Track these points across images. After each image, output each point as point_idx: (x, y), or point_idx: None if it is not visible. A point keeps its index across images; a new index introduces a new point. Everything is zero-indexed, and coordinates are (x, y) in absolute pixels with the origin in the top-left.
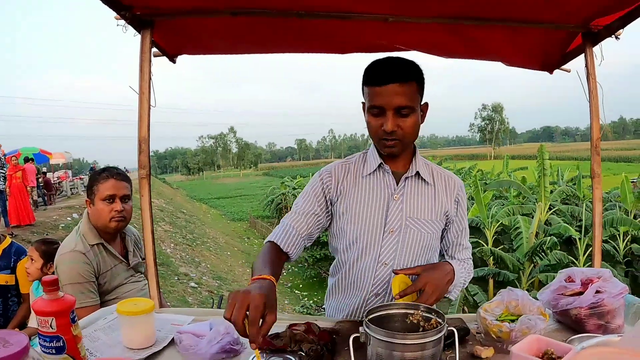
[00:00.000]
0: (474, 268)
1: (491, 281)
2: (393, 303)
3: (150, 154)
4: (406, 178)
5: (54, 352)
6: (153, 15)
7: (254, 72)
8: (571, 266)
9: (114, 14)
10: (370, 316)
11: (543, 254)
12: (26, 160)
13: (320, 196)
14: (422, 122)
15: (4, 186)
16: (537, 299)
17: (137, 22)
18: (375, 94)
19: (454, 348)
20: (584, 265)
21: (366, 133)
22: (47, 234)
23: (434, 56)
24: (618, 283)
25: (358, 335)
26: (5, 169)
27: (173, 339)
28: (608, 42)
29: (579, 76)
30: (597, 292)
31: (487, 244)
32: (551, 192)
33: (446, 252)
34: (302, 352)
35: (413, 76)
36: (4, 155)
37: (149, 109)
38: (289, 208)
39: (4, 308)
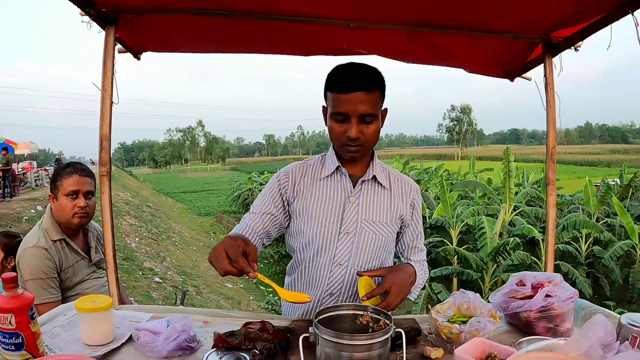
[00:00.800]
0: (438, 267)
1: (455, 280)
2: (343, 304)
3: (117, 146)
4: (363, 181)
5: (13, 348)
6: (117, 12)
7: (223, 67)
8: (534, 266)
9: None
10: (320, 317)
11: (506, 254)
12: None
13: (277, 196)
14: (381, 127)
15: None
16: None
17: (102, 19)
18: (341, 101)
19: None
20: (546, 266)
21: None
22: (10, 227)
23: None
24: (568, 288)
25: (308, 335)
26: None
27: (131, 335)
28: (579, 50)
29: (537, 86)
30: (547, 296)
31: (452, 244)
32: (516, 193)
33: (402, 255)
34: (256, 350)
35: (377, 85)
36: None
37: (111, 105)
38: None
39: None
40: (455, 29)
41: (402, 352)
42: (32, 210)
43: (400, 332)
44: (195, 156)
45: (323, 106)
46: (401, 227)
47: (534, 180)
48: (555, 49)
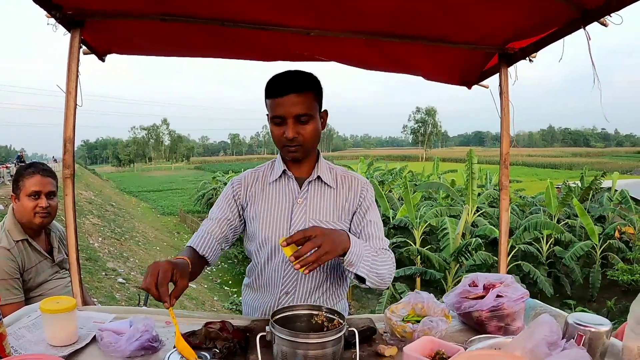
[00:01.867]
0: (402, 267)
1: (418, 280)
2: (298, 305)
3: (81, 143)
4: (309, 182)
5: None
6: (84, 16)
7: (188, 66)
8: (496, 267)
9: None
10: (277, 316)
11: (469, 254)
12: None
13: (232, 203)
14: (323, 129)
15: None
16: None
17: (68, 22)
18: (276, 104)
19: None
20: (507, 266)
21: None
22: None
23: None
24: (519, 288)
25: (265, 334)
26: None
27: (95, 336)
28: (543, 53)
29: (492, 94)
30: (498, 296)
31: (415, 244)
32: (479, 195)
33: None
34: (217, 349)
35: (309, 87)
36: None
37: (75, 108)
38: None
39: None
40: (413, 39)
41: (356, 350)
42: None
43: (353, 331)
44: (160, 155)
45: (267, 114)
46: (352, 223)
47: (497, 182)
48: (511, 59)
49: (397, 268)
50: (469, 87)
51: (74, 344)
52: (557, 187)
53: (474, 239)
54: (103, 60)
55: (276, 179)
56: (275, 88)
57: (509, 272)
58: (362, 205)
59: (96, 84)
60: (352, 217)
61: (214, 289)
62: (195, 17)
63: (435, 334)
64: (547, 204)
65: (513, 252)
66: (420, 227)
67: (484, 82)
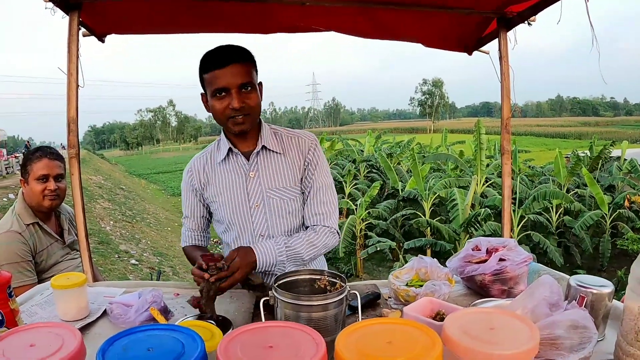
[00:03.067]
0: (412, 239)
1: (429, 251)
2: (301, 269)
3: (88, 129)
4: (257, 154)
5: None
6: None
7: (190, 46)
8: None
9: None
10: (280, 281)
11: (478, 225)
12: None
13: (192, 195)
14: (261, 100)
15: None
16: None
17: (65, 5)
18: (217, 77)
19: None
20: (517, 236)
21: (307, 105)
22: None
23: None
24: (522, 252)
25: (268, 298)
26: None
27: (105, 309)
28: (546, 22)
29: (492, 60)
30: (501, 259)
31: (425, 216)
32: (487, 165)
33: (308, 221)
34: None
35: (248, 58)
36: None
37: (77, 89)
38: None
39: None
40: (408, 5)
41: (358, 313)
42: (4, 199)
43: (355, 293)
44: (167, 136)
45: (202, 94)
46: (302, 184)
47: None
48: (509, 23)
49: (407, 240)
50: (469, 53)
51: (85, 317)
52: (566, 157)
53: (483, 210)
54: (103, 42)
55: (223, 158)
56: (215, 60)
57: (519, 243)
58: (310, 163)
59: (98, 70)
60: (302, 178)
61: None
62: None
63: (439, 297)
64: (556, 174)
65: (522, 222)
66: (429, 199)
67: (484, 48)
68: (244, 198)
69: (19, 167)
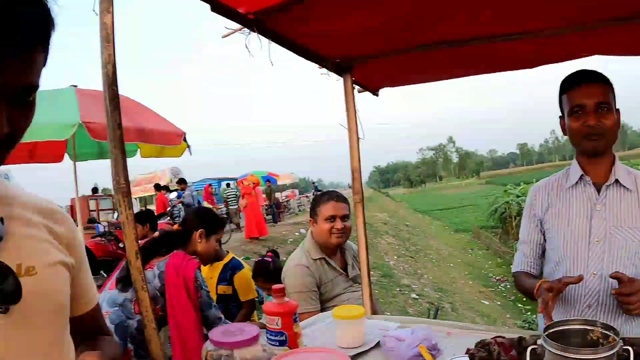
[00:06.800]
0: None
1: None
2: (573, 319)
3: (372, 169)
4: (607, 187)
5: (277, 344)
6: (350, 62)
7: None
8: None
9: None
10: (550, 330)
11: None
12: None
13: (531, 218)
14: (618, 129)
15: (237, 205)
16: None
17: (338, 69)
18: (575, 95)
19: None
20: None
21: None
22: (277, 248)
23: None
24: None
25: (535, 347)
26: (237, 190)
27: (379, 341)
28: None
29: None
30: None
31: None
32: None
33: None
34: None
35: (606, 80)
36: (236, 179)
37: (358, 141)
38: (513, 217)
39: (225, 313)
40: None
41: None
42: (296, 233)
43: (628, 349)
44: (449, 172)
45: (560, 117)
46: None
47: None
48: None
49: None
50: None
51: (360, 347)
52: None
53: None
54: (377, 95)
55: (573, 185)
56: (574, 80)
57: None
58: None
59: (372, 114)
60: None
61: (507, 306)
62: (447, 41)
63: None
64: None
65: None
66: None
67: None
68: (585, 230)
69: (309, 206)
